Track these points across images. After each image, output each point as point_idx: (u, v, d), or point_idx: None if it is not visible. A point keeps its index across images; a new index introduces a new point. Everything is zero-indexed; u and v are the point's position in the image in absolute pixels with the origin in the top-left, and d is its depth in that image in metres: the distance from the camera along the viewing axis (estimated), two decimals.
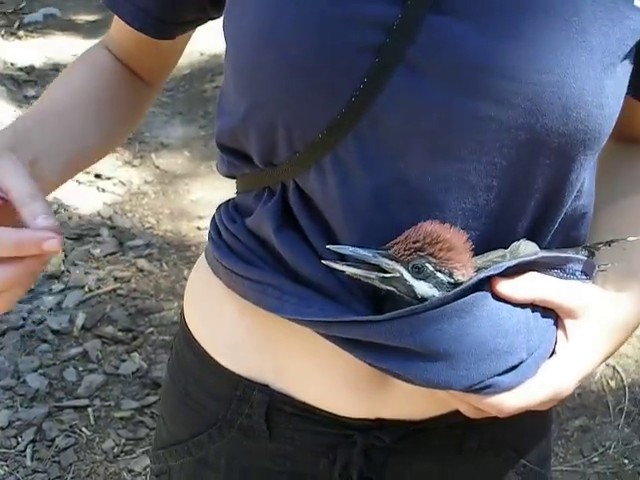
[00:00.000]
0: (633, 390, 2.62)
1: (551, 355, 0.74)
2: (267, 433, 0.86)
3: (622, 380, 2.65)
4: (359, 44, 0.69)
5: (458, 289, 0.70)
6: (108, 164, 4.29)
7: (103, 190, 3.89)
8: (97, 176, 4.09)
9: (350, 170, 0.72)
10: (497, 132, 0.70)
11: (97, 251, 3.33)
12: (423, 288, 0.70)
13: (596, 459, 2.42)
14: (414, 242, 0.70)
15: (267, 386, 0.85)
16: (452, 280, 0.71)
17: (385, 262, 0.70)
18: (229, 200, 0.88)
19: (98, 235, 3.47)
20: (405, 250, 0.70)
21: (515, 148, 0.71)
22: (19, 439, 2.45)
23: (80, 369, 2.73)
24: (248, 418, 0.87)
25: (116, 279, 3.15)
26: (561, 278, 0.75)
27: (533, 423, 0.80)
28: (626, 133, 0.90)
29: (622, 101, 0.75)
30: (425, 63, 0.69)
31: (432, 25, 0.69)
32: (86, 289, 3.09)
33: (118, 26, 0.96)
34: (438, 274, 0.70)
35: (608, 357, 0.79)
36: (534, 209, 0.75)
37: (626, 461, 2.41)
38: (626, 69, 0.75)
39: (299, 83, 0.70)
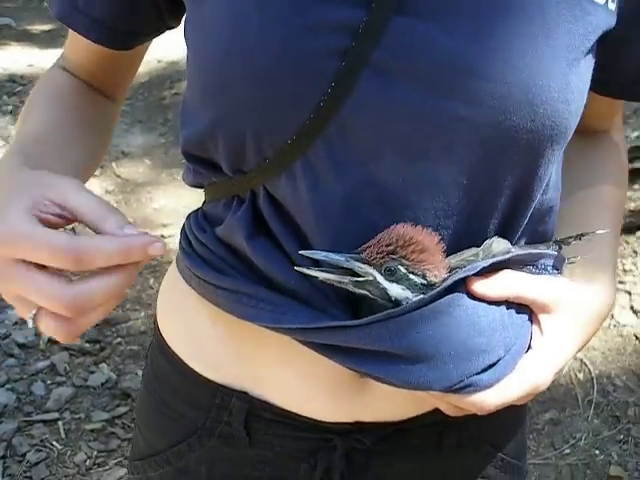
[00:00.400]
0: (601, 382, 2.65)
1: (527, 350, 0.75)
2: (247, 440, 0.86)
3: (590, 372, 2.68)
4: (325, 49, 0.69)
5: (434, 291, 0.70)
6: None
7: None
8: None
9: (321, 175, 0.72)
10: (466, 131, 0.70)
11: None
12: (396, 290, 0.70)
13: (567, 451, 2.45)
14: (386, 245, 0.70)
15: (246, 393, 0.85)
16: (425, 281, 0.71)
17: (358, 266, 0.70)
18: (198, 209, 0.88)
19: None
20: (377, 253, 0.70)
21: (484, 146, 0.71)
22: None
23: (48, 382, 2.70)
24: (228, 426, 0.86)
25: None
26: (533, 274, 0.76)
27: (509, 418, 0.82)
28: (582, 125, 0.91)
29: (586, 95, 0.76)
30: (391, 65, 0.69)
31: (397, 27, 0.68)
32: None
33: (74, 45, 0.94)
34: (411, 276, 0.70)
35: (582, 348, 0.81)
36: (504, 205, 0.76)
37: (597, 452, 2.44)
38: (589, 64, 0.76)
39: (266, 92, 0.70)
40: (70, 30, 0.93)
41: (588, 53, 0.74)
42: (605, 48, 0.78)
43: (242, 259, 0.79)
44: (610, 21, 0.75)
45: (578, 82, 0.73)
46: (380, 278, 0.70)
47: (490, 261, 0.72)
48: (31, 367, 2.76)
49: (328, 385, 0.80)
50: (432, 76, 0.68)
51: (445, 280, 0.71)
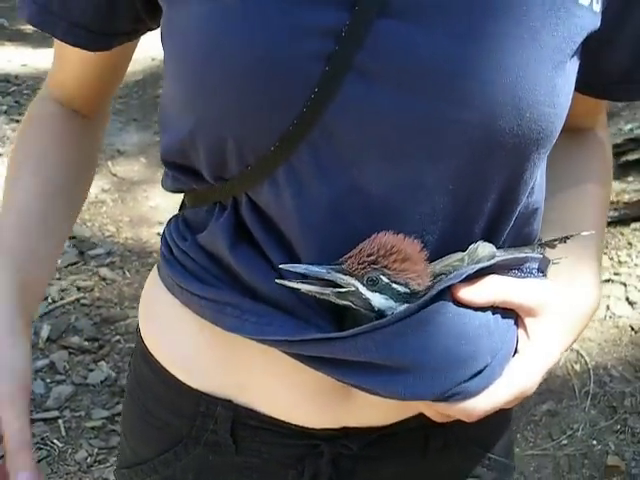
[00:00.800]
0: (597, 372, 2.66)
1: (514, 354, 0.75)
2: (234, 447, 0.86)
3: (586, 363, 2.69)
4: (308, 54, 0.67)
5: (420, 301, 0.69)
6: None
7: None
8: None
9: (305, 181, 0.71)
10: (452, 135, 0.69)
11: (58, 262, 3.31)
12: (379, 300, 0.70)
13: (565, 442, 2.46)
14: (368, 255, 0.69)
15: (230, 401, 0.84)
16: (408, 290, 0.70)
17: (339, 277, 0.69)
18: (178, 214, 0.86)
19: None
20: (359, 264, 0.69)
21: (470, 150, 0.70)
22: None
23: (48, 381, 2.71)
24: (214, 434, 0.86)
25: (79, 289, 3.13)
26: (519, 278, 0.76)
27: (497, 418, 0.80)
28: (567, 123, 0.89)
29: (571, 97, 0.76)
30: (375, 69, 0.68)
31: (381, 30, 0.67)
32: (49, 300, 3.07)
33: (56, 60, 0.93)
34: (394, 285, 0.70)
35: (568, 348, 0.81)
36: (490, 209, 0.75)
37: (594, 442, 2.46)
38: (574, 66, 0.75)
39: (248, 97, 0.69)
40: (54, 47, 0.92)
41: (573, 55, 0.74)
42: (588, 48, 0.78)
43: (225, 268, 0.77)
44: (595, 22, 0.75)
45: (564, 85, 0.73)
46: (362, 289, 0.69)
47: (476, 267, 0.72)
48: None
49: (314, 392, 0.79)
50: (416, 79, 0.67)
51: (430, 288, 0.71)
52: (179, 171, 0.80)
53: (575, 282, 0.82)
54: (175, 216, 0.86)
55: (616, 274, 2.99)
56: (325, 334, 0.71)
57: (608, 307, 2.88)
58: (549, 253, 0.80)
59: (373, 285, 0.69)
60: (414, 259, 0.70)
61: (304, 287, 0.70)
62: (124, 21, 0.84)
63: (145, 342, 0.90)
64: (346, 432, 0.83)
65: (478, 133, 0.69)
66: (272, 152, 0.70)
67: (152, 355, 0.88)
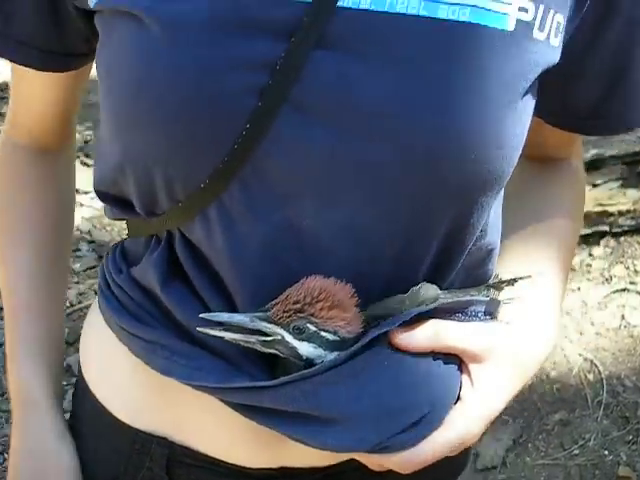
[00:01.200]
0: (610, 382, 2.65)
1: (457, 400, 0.72)
2: None
3: (600, 373, 2.68)
4: (240, 87, 0.64)
5: (350, 350, 0.67)
6: (85, 179, 4.29)
7: (81, 204, 3.87)
8: (75, 191, 4.10)
9: (236, 218, 0.68)
10: (388, 177, 0.66)
11: (77, 266, 3.33)
12: (307, 349, 0.67)
13: (577, 452, 2.46)
14: (294, 302, 0.66)
15: (165, 439, 0.81)
16: (338, 338, 0.67)
17: (264, 325, 0.67)
18: (118, 244, 0.83)
19: (77, 250, 3.47)
20: (284, 312, 0.66)
21: (408, 194, 0.67)
22: (5, 455, 2.46)
23: (64, 383, 2.73)
24: (149, 471, 0.83)
25: (97, 293, 3.15)
26: (463, 321, 0.72)
27: (451, 458, 0.75)
28: (540, 152, 0.90)
29: (524, 136, 0.73)
30: (311, 104, 0.65)
31: (318, 62, 0.64)
32: (67, 304, 3.10)
33: (16, 98, 0.90)
34: (322, 333, 0.67)
35: (517, 393, 0.77)
36: (435, 252, 0.72)
37: (606, 452, 2.45)
38: (528, 103, 0.72)
39: (176, 133, 0.66)
40: (11, 86, 0.89)
41: (527, 93, 0.71)
42: (554, 82, 0.76)
43: (158, 305, 0.75)
44: (552, 57, 0.72)
45: (514, 124, 0.70)
46: (289, 337, 0.67)
47: (412, 312, 0.69)
48: None
49: (250, 431, 0.74)
50: (352, 116, 0.65)
51: (364, 334, 0.68)
52: (112, 202, 0.77)
53: (528, 324, 0.77)
54: (115, 245, 0.83)
55: (632, 283, 2.98)
56: (254, 382, 0.69)
57: (623, 316, 2.87)
58: (505, 291, 0.76)
59: (300, 333, 0.67)
60: (344, 305, 0.67)
61: (228, 335, 0.68)
62: (75, 41, 0.80)
63: (84, 375, 0.88)
64: (285, 472, 0.80)
65: (417, 176, 0.66)
66: (202, 189, 0.67)
67: (90, 389, 0.86)
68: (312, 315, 0.66)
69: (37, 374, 0.89)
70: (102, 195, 0.77)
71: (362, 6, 0.64)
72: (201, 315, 0.68)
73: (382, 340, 0.68)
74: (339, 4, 0.64)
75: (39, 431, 0.87)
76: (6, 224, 0.92)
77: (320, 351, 0.67)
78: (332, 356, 0.67)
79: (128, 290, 0.77)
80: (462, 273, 0.76)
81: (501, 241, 0.82)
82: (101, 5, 0.69)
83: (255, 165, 0.66)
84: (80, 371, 0.89)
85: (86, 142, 4.86)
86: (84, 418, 0.89)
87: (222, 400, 0.71)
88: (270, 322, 0.66)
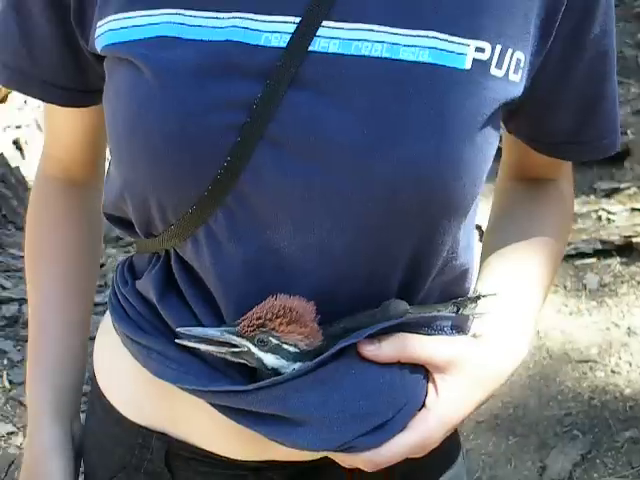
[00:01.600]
0: None
1: (422, 407, 0.76)
2: (169, 476, 0.90)
3: None
4: (221, 125, 0.71)
5: (320, 357, 0.74)
6: None
7: None
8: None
9: (222, 241, 0.75)
10: (355, 205, 0.72)
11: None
12: (271, 359, 0.74)
13: None
14: (257, 318, 0.73)
15: (165, 434, 0.88)
16: (298, 350, 0.74)
17: (232, 338, 0.74)
18: (126, 259, 0.91)
19: None
20: (249, 326, 0.73)
21: (375, 219, 0.73)
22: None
23: None
24: (151, 463, 0.90)
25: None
26: (430, 335, 0.78)
27: (434, 454, 0.79)
28: (525, 174, 0.95)
29: (486, 165, 0.77)
30: (285, 139, 0.71)
31: (291, 102, 0.70)
32: None
33: (49, 131, 0.99)
34: (284, 346, 0.74)
35: (483, 403, 0.81)
36: (402, 273, 0.77)
37: None
38: (488, 135, 0.76)
39: (166, 167, 0.73)
40: (44, 120, 0.98)
41: (486, 126, 0.75)
42: (532, 111, 0.83)
43: (156, 315, 0.82)
44: (513, 91, 0.77)
45: (473, 156, 0.74)
46: (254, 349, 0.74)
47: (379, 325, 0.75)
48: None
49: (238, 427, 0.78)
50: (322, 151, 0.71)
51: (330, 345, 0.75)
52: (117, 224, 0.86)
53: (497, 339, 0.82)
54: (124, 260, 0.91)
55: None
56: (232, 387, 0.76)
57: None
58: (482, 305, 0.82)
59: (264, 346, 0.74)
60: (302, 321, 0.74)
61: (202, 347, 0.75)
62: (93, 80, 0.86)
63: (96, 376, 0.96)
64: (273, 464, 0.86)
65: (380, 205, 0.72)
66: (191, 214, 0.74)
67: (101, 390, 0.94)
68: (273, 329, 0.74)
69: (42, 397, 0.97)
70: (109, 217, 0.86)
71: (331, 50, 0.71)
72: (178, 329, 0.76)
73: (351, 350, 0.75)
74: (310, 48, 0.71)
75: (36, 449, 0.96)
76: (36, 251, 1.01)
77: (283, 362, 0.75)
78: (296, 366, 0.75)
79: (132, 300, 0.85)
80: (437, 292, 0.82)
81: (487, 257, 0.89)
82: (105, 51, 0.77)
83: (236, 194, 0.73)
84: (93, 372, 0.97)
85: None
86: (96, 414, 0.97)
87: (207, 401, 0.78)
88: (238, 335, 0.74)
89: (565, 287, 3.15)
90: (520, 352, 0.84)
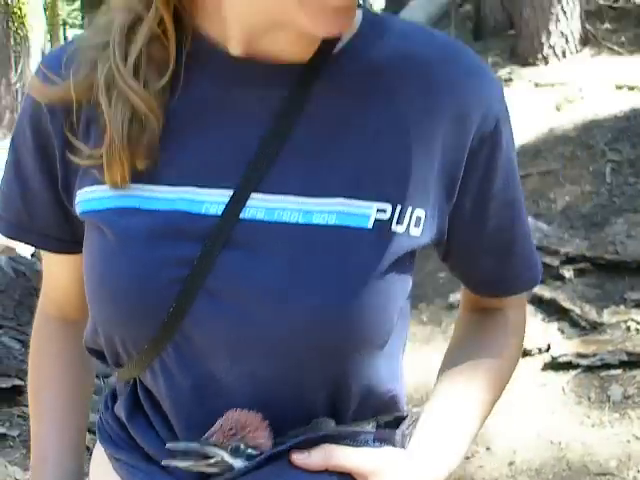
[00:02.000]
0: None
1: None
2: None
3: None
4: (169, 279, 0.85)
5: (256, 460, 0.85)
6: None
7: None
8: None
9: (173, 371, 0.88)
10: (279, 342, 0.85)
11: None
12: (239, 464, 0.86)
13: None
14: (229, 429, 0.85)
15: None
16: (258, 452, 0.86)
17: (209, 449, 0.85)
18: (113, 387, 1.04)
19: None
20: (224, 437, 0.85)
21: (295, 353, 0.85)
22: None
23: None
24: None
25: None
26: (354, 447, 0.88)
27: None
28: (475, 306, 1.07)
29: (391, 307, 0.88)
30: (220, 289, 0.84)
31: (226, 259, 0.84)
32: None
33: (46, 272, 1.11)
34: (249, 450, 0.86)
35: None
36: (326, 398, 0.89)
37: None
38: (391, 281, 0.87)
39: (123, 311, 0.87)
40: (42, 263, 1.12)
41: (388, 273, 0.86)
42: (454, 255, 0.96)
43: (128, 434, 0.96)
44: (413, 244, 0.88)
45: (375, 301, 0.86)
46: (227, 457, 0.85)
47: (308, 435, 0.87)
48: None
49: None
50: (249, 298, 0.84)
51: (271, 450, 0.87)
52: (95, 355, 0.99)
53: (423, 452, 0.92)
54: (108, 391, 1.05)
55: None
56: None
57: None
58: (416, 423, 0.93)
59: (236, 453, 0.86)
60: (260, 428, 0.87)
61: (183, 464, 0.86)
62: (82, 232, 0.97)
63: None
64: None
65: (297, 341, 0.85)
66: (147, 349, 0.88)
67: None
68: (243, 437, 0.86)
69: None
70: (89, 349, 1.00)
71: (258, 217, 0.85)
72: (168, 445, 0.88)
73: (283, 459, 0.86)
74: (241, 216, 0.85)
75: None
76: (37, 385, 1.14)
77: (246, 463, 0.86)
78: (242, 466, 0.86)
79: (111, 422, 0.99)
80: (369, 415, 0.93)
81: (438, 379, 1.00)
82: (81, 216, 0.93)
83: (182, 333, 0.86)
84: None
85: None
86: None
87: None
88: (214, 446, 0.86)
89: (589, 398, 3.18)
90: (447, 466, 0.94)
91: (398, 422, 0.94)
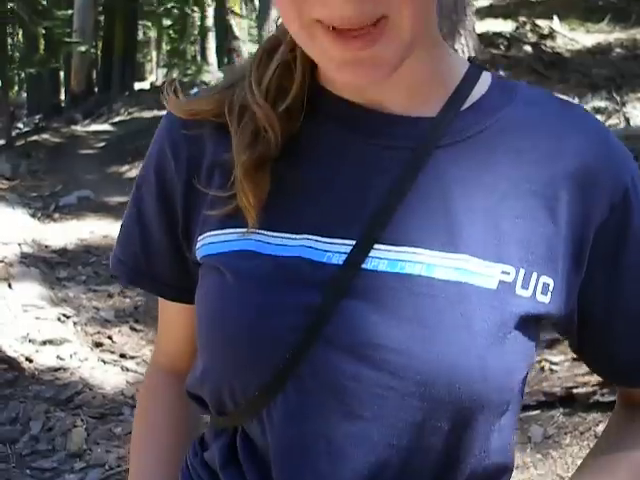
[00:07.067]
0: None
1: None
2: None
3: None
4: (286, 325, 0.83)
5: None
6: (132, 343, 4.48)
7: (127, 369, 4.07)
8: (122, 356, 4.30)
9: (281, 423, 0.85)
10: (394, 399, 0.81)
11: (119, 429, 3.48)
12: None
13: None
14: None
15: None
16: None
17: None
18: (201, 434, 1.01)
19: (120, 414, 3.64)
20: None
21: (409, 413, 0.82)
22: None
23: None
24: None
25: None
26: None
27: None
28: (628, 401, 1.00)
29: (514, 373, 0.84)
30: (338, 340, 0.82)
31: (346, 309, 0.82)
32: (106, 467, 3.23)
33: (160, 321, 1.11)
34: None
35: None
36: (434, 466, 0.85)
37: None
38: (515, 346, 0.83)
39: (237, 356, 0.85)
40: (159, 313, 1.11)
41: (511, 337, 0.83)
42: (592, 342, 0.91)
43: None
44: (541, 310, 0.84)
45: (498, 362, 0.82)
46: None
47: None
48: None
49: None
50: (367, 351, 0.81)
51: None
52: (195, 401, 0.96)
53: None
54: (197, 437, 1.02)
55: None
56: None
57: None
58: None
59: None
60: None
61: None
62: (196, 281, 0.96)
63: None
64: None
65: (415, 400, 0.81)
66: (256, 397, 0.85)
67: None
68: None
69: None
70: (190, 395, 0.97)
71: (380, 268, 0.83)
72: None
73: None
74: (363, 266, 0.83)
75: None
76: (142, 438, 1.11)
77: None
78: None
79: (199, 470, 0.96)
80: None
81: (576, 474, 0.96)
82: (202, 260, 0.92)
83: (294, 383, 0.84)
84: None
85: (136, 308, 5.11)
86: None
87: None
88: None
89: None
90: None
91: None
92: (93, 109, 16.95)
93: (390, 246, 0.84)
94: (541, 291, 0.84)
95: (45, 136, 13.15)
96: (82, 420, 3.54)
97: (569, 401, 3.36)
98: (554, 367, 3.61)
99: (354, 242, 0.84)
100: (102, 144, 11.77)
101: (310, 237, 0.86)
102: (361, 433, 0.83)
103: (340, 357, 0.82)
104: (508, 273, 0.83)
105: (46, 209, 7.96)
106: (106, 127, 13.96)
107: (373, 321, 0.82)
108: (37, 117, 19.16)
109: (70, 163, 10.24)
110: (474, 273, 0.83)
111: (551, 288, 0.85)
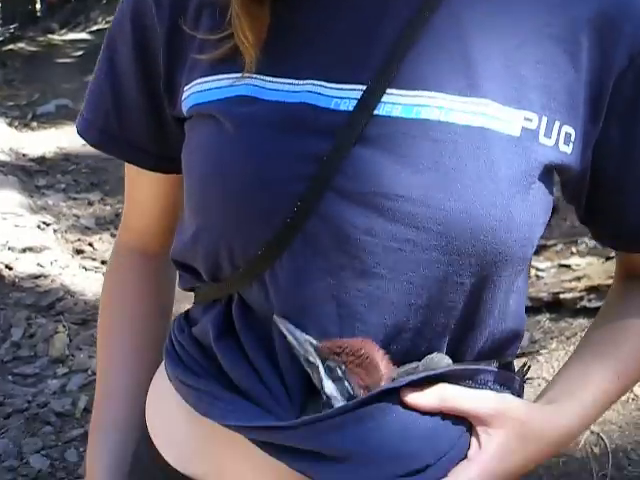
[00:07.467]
0: (616, 456, 2.67)
1: (464, 459, 0.79)
2: None
3: (606, 446, 2.70)
4: (292, 175, 0.77)
5: (361, 397, 0.76)
6: None
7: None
8: (103, 262, 4.24)
9: (285, 285, 0.79)
10: (412, 253, 0.76)
11: None
12: (330, 387, 0.77)
13: None
14: (338, 346, 0.77)
15: None
16: (352, 393, 0.77)
17: (310, 351, 0.77)
18: (183, 312, 0.95)
19: None
20: (328, 349, 0.77)
21: (429, 268, 0.76)
22: None
23: (81, 450, 2.81)
24: None
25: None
26: (473, 388, 0.80)
27: None
28: (625, 270, 0.96)
29: (536, 226, 0.80)
30: (350, 190, 0.76)
31: (358, 157, 0.76)
32: (89, 372, 3.20)
33: (127, 197, 1.04)
34: (345, 383, 0.77)
35: (529, 466, 0.82)
36: (453, 327, 0.80)
37: None
38: (538, 196, 0.79)
39: (237, 212, 0.79)
40: (125, 187, 1.03)
41: (535, 187, 0.79)
42: (602, 203, 0.86)
43: (209, 358, 0.86)
44: (564, 160, 0.80)
45: (523, 213, 0.78)
46: (321, 369, 0.77)
47: (422, 374, 0.78)
48: (66, 435, 2.89)
49: (283, 478, 0.80)
50: (382, 202, 0.76)
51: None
52: (183, 270, 0.90)
53: (553, 407, 0.85)
54: (181, 313, 0.95)
55: None
56: (275, 422, 0.78)
57: (632, 390, 2.90)
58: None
59: (330, 372, 0.77)
60: (370, 370, 0.77)
61: (290, 337, 0.78)
62: (176, 146, 0.90)
63: (147, 422, 0.97)
64: None
65: (436, 253, 0.76)
66: (259, 257, 0.79)
67: (150, 436, 0.95)
68: (344, 363, 0.77)
69: (100, 461, 1.01)
70: (176, 263, 0.91)
71: (393, 114, 0.77)
72: (275, 318, 0.79)
73: (393, 395, 0.77)
74: (375, 112, 0.77)
75: None
76: (109, 320, 1.05)
77: (338, 395, 0.77)
78: (343, 404, 0.77)
79: (187, 346, 0.89)
80: (488, 354, 0.84)
81: (577, 349, 0.92)
82: (191, 111, 0.84)
83: (303, 240, 0.78)
84: (144, 418, 0.98)
85: (117, 215, 5.04)
86: (143, 459, 0.98)
87: (250, 439, 0.80)
88: (315, 350, 0.77)
89: None
90: (572, 429, 0.86)
91: (511, 368, 0.85)
92: (70, 18, 16.51)
93: (404, 90, 0.78)
94: (563, 141, 0.80)
95: (21, 45, 12.81)
96: (64, 326, 3.52)
97: (555, 306, 3.36)
98: (540, 273, 3.60)
99: (364, 87, 0.78)
100: (80, 53, 11.49)
101: (315, 82, 0.79)
102: (375, 292, 0.78)
103: (352, 209, 0.77)
104: (530, 120, 0.78)
105: (23, 118, 7.79)
106: (84, 36, 13.61)
107: (388, 169, 0.76)
108: (12, 26, 18.66)
109: (47, 72, 9.99)
110: (496, 118, 0.77)
111: (572, 138, 0.80)
